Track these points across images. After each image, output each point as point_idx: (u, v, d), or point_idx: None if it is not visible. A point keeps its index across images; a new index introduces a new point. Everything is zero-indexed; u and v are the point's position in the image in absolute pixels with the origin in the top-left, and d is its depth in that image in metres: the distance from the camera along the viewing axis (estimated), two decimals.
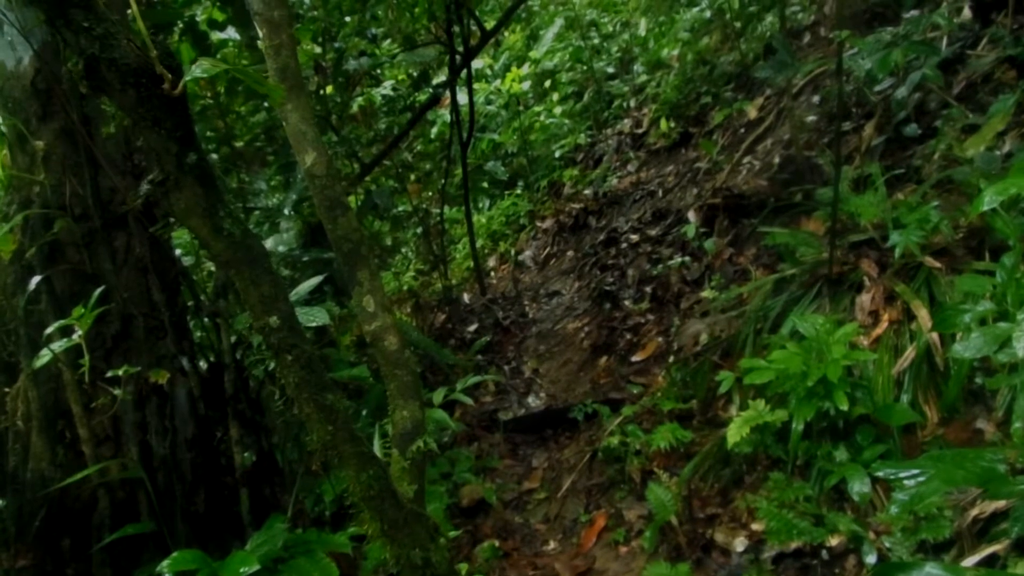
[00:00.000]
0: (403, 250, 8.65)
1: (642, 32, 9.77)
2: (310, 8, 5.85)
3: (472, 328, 7.01)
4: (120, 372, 3.02)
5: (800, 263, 4.47)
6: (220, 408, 3.63)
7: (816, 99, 6.10)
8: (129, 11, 3.54)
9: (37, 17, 3.31)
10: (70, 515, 3.25)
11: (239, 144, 6.01)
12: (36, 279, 3.22)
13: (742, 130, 6.84)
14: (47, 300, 3.32)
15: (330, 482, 3.98)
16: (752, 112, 6.81)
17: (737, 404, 4.15)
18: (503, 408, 5.57)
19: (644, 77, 9.32)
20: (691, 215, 6.16)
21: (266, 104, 5.89)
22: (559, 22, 10.17)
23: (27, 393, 3.28)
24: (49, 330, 2.91)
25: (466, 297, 7.85)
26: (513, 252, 8.69)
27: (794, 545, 3.17)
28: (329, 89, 6.36)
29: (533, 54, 10.37)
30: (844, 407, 3.28)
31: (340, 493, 3.94)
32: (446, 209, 8.23)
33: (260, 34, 2.55)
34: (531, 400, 5.67)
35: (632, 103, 9.43)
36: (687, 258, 5.80)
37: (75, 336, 2.91)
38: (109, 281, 3.35)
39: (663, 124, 8.09)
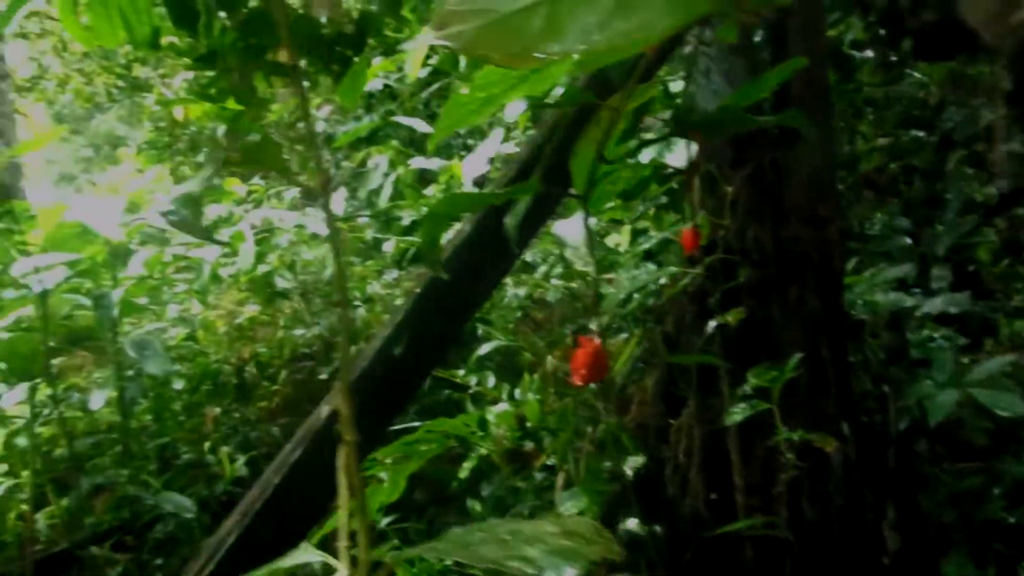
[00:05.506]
0: None
1: None
2: None
3: None
4: (794, 436, 2.92)
5: None
6: (873, 482, 3.35)
7: None
8: None
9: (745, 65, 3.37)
10: (716, 556, 3.30)
11: None
12: (713, 323, 3.29)
13: None
14: (718, 343, 3.39)
15: None
16: None
17: None
18: None
19: None
20: None
21: None
22: None
23: (692, 430, 3.40)
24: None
25: None
26: None
27: None
28: None
29: None
30: None
31: None
32: None
33: None
34: None
35: None
36: None
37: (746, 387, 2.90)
38: (777, 331, 3.29)
39: None
